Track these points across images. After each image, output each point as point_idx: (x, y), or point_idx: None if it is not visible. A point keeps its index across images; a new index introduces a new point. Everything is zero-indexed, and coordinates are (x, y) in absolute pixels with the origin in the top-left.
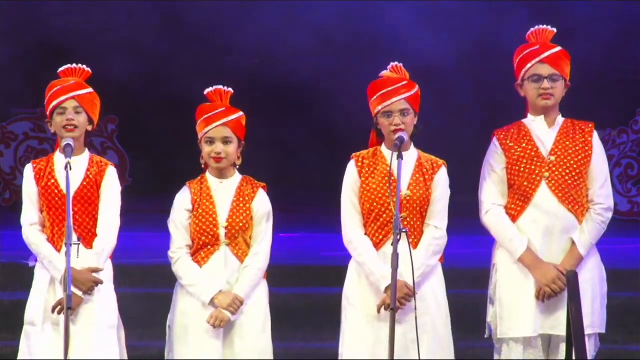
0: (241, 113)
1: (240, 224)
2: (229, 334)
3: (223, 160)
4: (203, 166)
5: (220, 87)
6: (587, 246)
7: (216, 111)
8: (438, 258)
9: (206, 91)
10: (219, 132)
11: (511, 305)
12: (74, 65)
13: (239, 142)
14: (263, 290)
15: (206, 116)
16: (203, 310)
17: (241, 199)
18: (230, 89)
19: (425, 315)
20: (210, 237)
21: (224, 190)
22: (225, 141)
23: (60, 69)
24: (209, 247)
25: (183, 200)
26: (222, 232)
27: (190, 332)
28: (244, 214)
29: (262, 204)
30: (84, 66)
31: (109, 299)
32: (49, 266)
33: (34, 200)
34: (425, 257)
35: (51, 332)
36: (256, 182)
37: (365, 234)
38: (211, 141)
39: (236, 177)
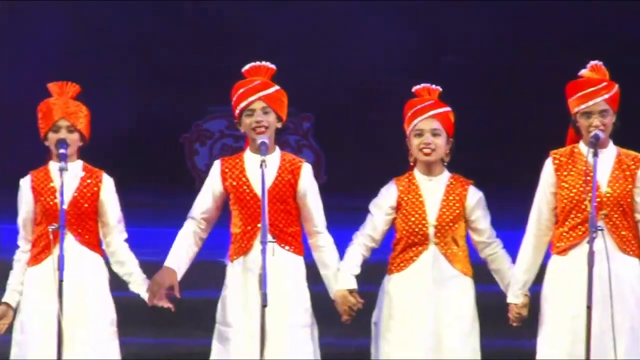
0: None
1: (450, 224)
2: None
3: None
4: (412, 163)
5: (263, 62)
6: None
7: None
8: None
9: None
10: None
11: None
12: (258, 63)
13: (446, 138)
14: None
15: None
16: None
17: (450, 198)
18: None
19: (621, 313)
20: (419, 236)
21: (432, 188)
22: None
23: (245, 68)
24: (418, 246)
25: (389, 196)
26: (431, 230)
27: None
28: (454, 213)
29: (473, 200)
30: (268, 63)
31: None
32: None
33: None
34: None
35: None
36: (465, 179)
37: (558, 234)
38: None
39: (445, 175)
